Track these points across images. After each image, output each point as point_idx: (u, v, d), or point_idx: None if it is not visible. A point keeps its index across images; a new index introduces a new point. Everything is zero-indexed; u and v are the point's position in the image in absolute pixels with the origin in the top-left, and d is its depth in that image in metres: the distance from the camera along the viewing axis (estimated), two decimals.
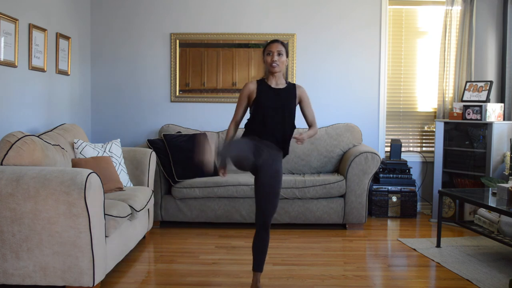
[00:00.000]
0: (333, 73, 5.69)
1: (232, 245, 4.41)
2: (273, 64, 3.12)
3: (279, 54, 3.14)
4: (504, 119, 5.33)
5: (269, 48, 3.16)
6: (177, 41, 5.65)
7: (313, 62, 5.67)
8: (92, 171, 3.16)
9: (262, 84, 3.20)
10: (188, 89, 5.73)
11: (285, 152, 3.25)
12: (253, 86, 3.18)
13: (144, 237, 4.52)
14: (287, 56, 3.21)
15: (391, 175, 5.46)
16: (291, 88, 3.21)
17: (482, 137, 5.13)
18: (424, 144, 5.90)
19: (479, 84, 5.33)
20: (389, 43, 5.75)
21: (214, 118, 5.68)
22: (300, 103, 3.27)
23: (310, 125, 3.35)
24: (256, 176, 3.15)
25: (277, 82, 3.20)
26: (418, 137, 5.89)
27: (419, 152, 5.84)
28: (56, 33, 4.76)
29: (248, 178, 4.76)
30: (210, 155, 3.85)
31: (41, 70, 4.48)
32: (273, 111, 3.12)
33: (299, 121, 3.44)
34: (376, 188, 5.44)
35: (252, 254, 3.22)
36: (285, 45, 3.22)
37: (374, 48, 5.67)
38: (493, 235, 4.05)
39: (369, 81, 5.69)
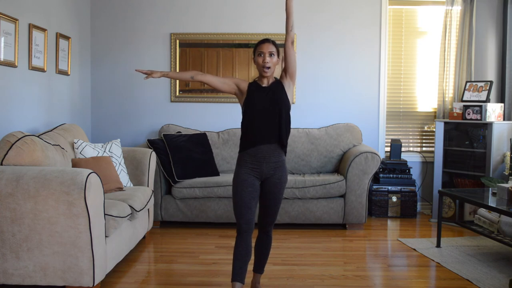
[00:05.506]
0: (333, 73, 5.69)
1: (232, 245, 4.37)
2: (265, 68, 2.98)
3: (271, 55, 2.99)
4: (504, 119, 5.33)
5: (260, 48, 3.00)
6: (177, 41, 5.65)
7: (313, 62, 5.67)
8: (92, 171, 3.16)
9: (253, 84, 3.08)
10: (188, 89, 5.73)
11: (284, 150, 3.09)
12: (245, 84, 3.07)
13: (144, 237, 4.52)
14: (278, 56, 3.05)
15: (391, 175, 5.46)
16: (278, 82, 3.09)
17: (482, 137, 5.13)
18: (424, 144, 5.90)
19: (479, 84, 5.33)
20: (389, 43, 5.75)
21: (214, 118, 5.69)
22: (285, 69, 3.07)
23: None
24: (261, 185, 3.08)
25: (269, 81, 3.07)
26: (418, 137, 5.89)
27: (419, 152, 5.84)
28: (56, 33, 4.76)
29: None
30: None
31: (41, 70, 4.48)
32: (265, 111, 2.99)
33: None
34: (376, 188, 5.44)
35: (254, 255, 3.22)
36: (277, 45, 3.05)
37: (374, 48, 5.67)
38: (493, 235, 4.05)
39: (369, 81, 5.69)
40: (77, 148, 4.16)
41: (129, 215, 3.68)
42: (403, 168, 5.49)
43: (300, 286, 3.44)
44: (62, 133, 4.18)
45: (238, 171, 3.02)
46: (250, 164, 2.99)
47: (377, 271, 3.87)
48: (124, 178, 4.38)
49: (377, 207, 5.45)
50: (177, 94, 5.71)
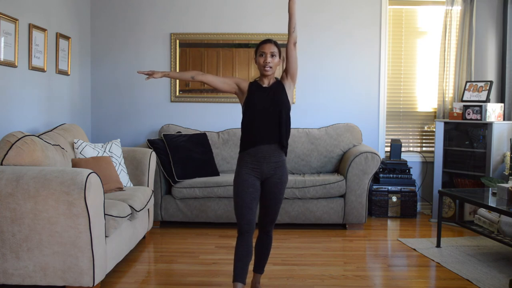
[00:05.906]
0: (333, 73, 5.69)
1: (232, 245, 4.37)
2: (266, 68, 2.99)
3: (272, 55, 3.00)
4: (504, 119, 5.33)
5: (262, 49, 3.01)
6: (177, 41, 5.65)
7: (313, 62, 5.67)
8: (92, 171, 3.16)
9: (254, 84, 3.08)
10: (188, 89, 5.73)
11: (284, 151, 3.09)
12: (246, 84, 3.08)
13: (144, 237, 4.52)
14: (280, 56, 3.05)
15: (391, 175, 5.46)
16: (279, 83, 3.09)
17: (482, 137, 5.13)
18: (424, 144, 5.90)
19: (479, 84, 5.33)
20: (389, 43, 5.75)
21: (214, 118, 5.69)
22: (286, 70, 3.08)
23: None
24: (261, 185, 3.08)
25: (270, 82, 3.08)
26: (418, 137, 5.89)
27: (419, 152, 5.84)
28: (56, 33, 4.76)
29: None
30: None
31: (41, 70, 4.48)
32: (265, 111, 2.99)
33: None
34: (376, 188, 5.44)
35: (254, 255, 3.22)
36: (278, 46, 3.06)
37: (374, 48, 5.67)
38: (493, 235, 4.05)
39: (369, 81, 5.69)
40: (77, 148, 4.16)
41: (129, 215, 3.68)
42: (403, 168, 5.49)
43: (300, 286, 3.44)
44: (62, 133, 4.18)
45: (239, 171, 3.03)
46: (250, 164, 2.99)
47: (377, 271, 3.87)
48: (124, 178, 4.38)
49: (377, 207, 5.45)
50: (177, 94, 5.72)
